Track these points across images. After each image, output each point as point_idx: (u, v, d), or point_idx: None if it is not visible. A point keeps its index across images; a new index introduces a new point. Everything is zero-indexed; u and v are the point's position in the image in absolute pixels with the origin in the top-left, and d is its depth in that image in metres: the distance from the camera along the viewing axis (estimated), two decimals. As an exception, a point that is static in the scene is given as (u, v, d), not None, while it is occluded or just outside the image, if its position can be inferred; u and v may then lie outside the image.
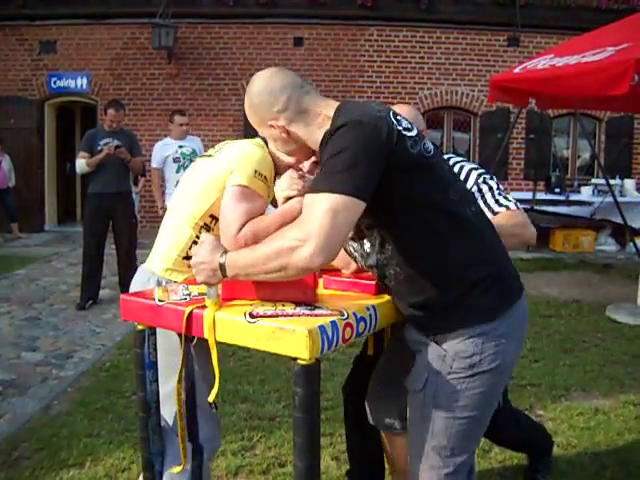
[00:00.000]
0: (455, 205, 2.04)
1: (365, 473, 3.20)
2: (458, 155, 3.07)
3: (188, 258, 2.43)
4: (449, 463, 2.10)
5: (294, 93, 2.10)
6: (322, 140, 1.99)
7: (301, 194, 2.29)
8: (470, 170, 2.83)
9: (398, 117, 2.00)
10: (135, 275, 2.69)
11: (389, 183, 1.92)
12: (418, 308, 2.10)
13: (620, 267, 10.20)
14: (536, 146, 13.24)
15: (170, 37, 12.65)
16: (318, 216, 1.80)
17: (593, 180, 13.15)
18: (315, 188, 1.87)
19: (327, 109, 2.08)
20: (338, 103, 2.10)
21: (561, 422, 4.24)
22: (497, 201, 2.71)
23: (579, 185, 12.90)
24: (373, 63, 13.62)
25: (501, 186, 2.83)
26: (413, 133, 1.99)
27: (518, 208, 2.71)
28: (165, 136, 8.01)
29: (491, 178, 2.82)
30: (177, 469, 2.40)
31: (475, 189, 2.74)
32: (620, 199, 10.29)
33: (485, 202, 2.70)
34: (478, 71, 13.61)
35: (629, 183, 12.33)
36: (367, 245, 2.15)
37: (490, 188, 2.76)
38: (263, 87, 2.12)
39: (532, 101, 8.66)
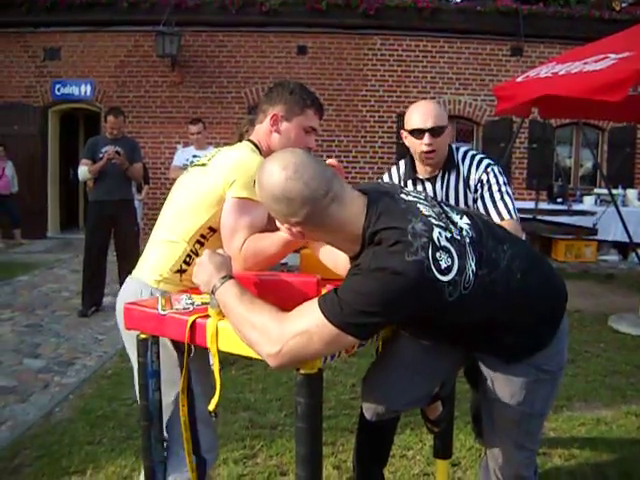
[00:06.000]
0: (503, 295, 2.01)
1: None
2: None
3: (181, 272, 2.44)
4: (534, 451, 2.39)
5: (317, 205, 1.83)
6: (352, 266, 1.89)
7: None
8: (480, 160, 3.21)
9: (438, 254, 1.79)
10: (125, 286, 2.60)
11: (422, 321, 1.97)
12: (484, 353, 2.24)
13: (622, 277, 10.19)
14: (539, 156, 13.24)
15: (174, 45, 12.68)
16: (297, 331, 1.80)
17: (595, 190, 13.15)
18: (321, 302, 1.82)
19: (357, 222, 1.88)
20: (366, 206, 1.89)
21: (563, 432, 4.23)
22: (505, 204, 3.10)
23: (581, 195, 12.89)
24: (376, 72, 13.64)
25: (509, 189, 3.17)
26: (453, 272, 1.82)
27: (512, 218, 3.08)
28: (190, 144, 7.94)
29: (500, 173, 3.18)
30: None
31: (484, 178, 3.14)
32: (623, 209, 10.29)
33: (494, 202, 3.11)
34: (481, 81, 13.62)
35: (632, 193, 12.36)
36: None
37: (497, 182, 3.13)
38: (279, 195, 1.84)
39: (535, 111, 8.66)
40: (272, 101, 2.66)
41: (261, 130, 2.68)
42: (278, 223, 2.00)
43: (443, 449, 3.21)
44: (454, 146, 3.27)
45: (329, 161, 2.31)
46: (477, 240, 1.98)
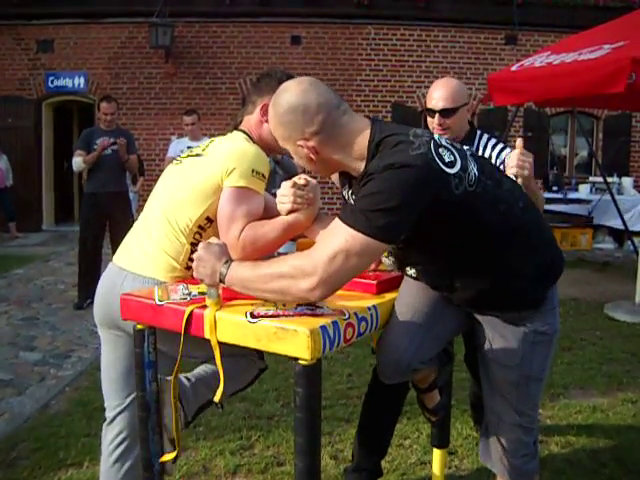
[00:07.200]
0: (506, 216, 2.06)
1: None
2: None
3: (189, 268, 2.41)
4: (534, 418, 2.38)
5: (331, 114, 1.98)
6: (363, 174, 1.95)
7: (303, 207, 2.23)
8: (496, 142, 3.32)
9: (440, 150, 1.91)
10: (125, 282, 2.50)
11: (434, 226, 1.95)
12: (484, 306, 2.23)
13: (618, 265, 10.21)
14: (534, 144, 13.15)
15: (167, 36, 12.65)
16: (329, 253, 1.83)
17: (591, 178, 13.16)
18: (344, 218, 1.87)
19: (364, 135, 1.99)
20: (371, 124, 2.02)
21: (559, 420, 4.24)
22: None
23: (577, 183, 12.88)
24: (370, 62, 13.61)
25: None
26: (457, 167, 1.92)
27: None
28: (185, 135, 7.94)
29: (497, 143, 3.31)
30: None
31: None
32: (618, 197, 10.31)
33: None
34: (475, 69, 13.61)
35: (627, 181, 12.36)
36: (411, 271, 2.29)
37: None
38: (296, 104, 1.97)
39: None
40: (260, 92, 2.65)
41: (251, 121, 2.68)
42: (283, 143, 2.09)
43: (440, 438, 3.21)
44: (479, 132, 3.38)
45: None
46: (478, 158, 2.10)
